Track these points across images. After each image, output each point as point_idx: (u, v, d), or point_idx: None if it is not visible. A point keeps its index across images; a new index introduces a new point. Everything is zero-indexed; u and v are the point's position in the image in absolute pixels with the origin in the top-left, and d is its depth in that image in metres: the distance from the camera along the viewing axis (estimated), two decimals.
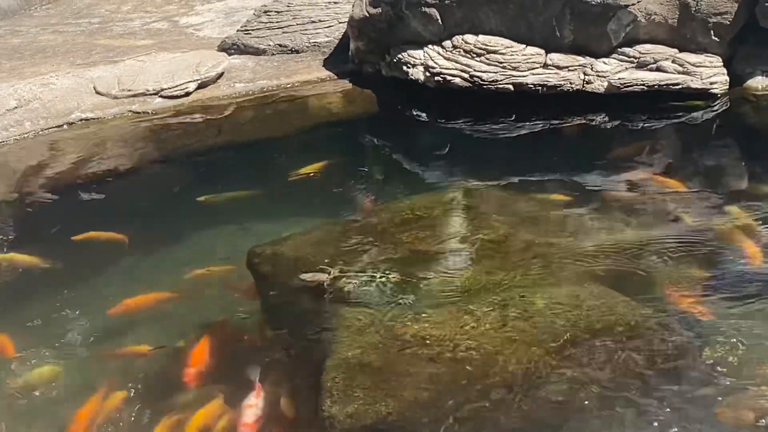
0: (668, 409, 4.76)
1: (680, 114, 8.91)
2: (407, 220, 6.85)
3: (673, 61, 8.93)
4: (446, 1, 9.37)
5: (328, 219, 7.45)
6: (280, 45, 10.96)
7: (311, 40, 10.86)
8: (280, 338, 5.99)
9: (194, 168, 9.08)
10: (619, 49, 9.11)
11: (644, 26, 9.00)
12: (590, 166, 8.13)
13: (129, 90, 10.07)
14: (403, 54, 9.61)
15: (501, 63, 9.16)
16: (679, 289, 5.85)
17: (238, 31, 11.46)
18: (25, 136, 9.46)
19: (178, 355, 5.94)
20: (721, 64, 9.01)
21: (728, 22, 8.90)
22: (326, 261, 6.22)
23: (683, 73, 8.90)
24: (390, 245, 6.48)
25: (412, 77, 9.49)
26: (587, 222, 7.00)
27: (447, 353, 5.20)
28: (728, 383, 4.93)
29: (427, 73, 9.38)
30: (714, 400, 4.83)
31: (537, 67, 9.15)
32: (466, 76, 9.19)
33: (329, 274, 6.04)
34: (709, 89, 8.90)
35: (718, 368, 5.04)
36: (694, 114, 8.90)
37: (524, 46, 9.28)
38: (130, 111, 9.85)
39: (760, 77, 9.03)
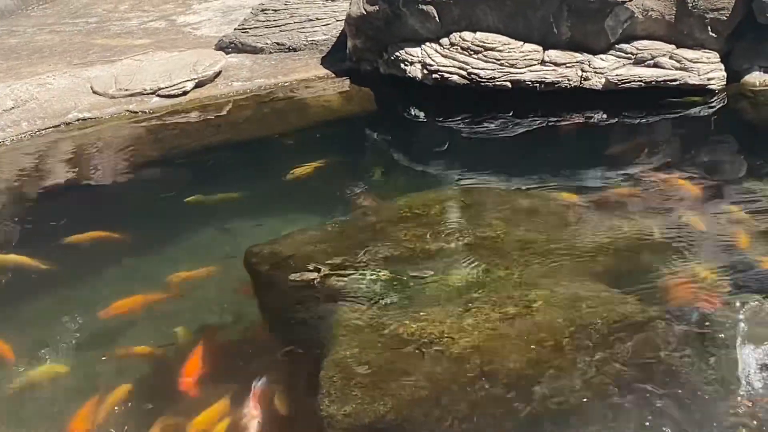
0: (669, 407, 4.75)
1: (678, 110, 8.93)
2: (405, 218, 6.84)
3: (671, 57, 8.94)
4: None
5: (326, 218, 7.44)
6: (278, 43, 10.95)
7: (309, 39, 10.85)
8: (277, 337, 6.01)
9: (192, 167, 9.06)
10: (616, 46, 9.12)
11: (641, 22, 9.00)
12: (588, 163, 8.14)
13: (126, 89, 10.05)
14: (400, 51, 9.60)
15: (498, 60, 9.16)
16: (679, 285, 5.84)
17: (235, 29, 11.45)
18: (22, 136, 9.43)
19: (176, 355, 5.93)
20: (719, 59, 9.03)
21: (725, 18, 8.90)
22: (325, 260, 6.22)
23: (681, 69, 8.90)
24: (388, 243, 6.46)
25: (410, 75, 9.49)
26: (586, 219, 6.97)
27: (445, 351, 5.18)
28: (730, 380, 4.92)
29: (425, 71, 9.38)
30: (716, 398, 4.81)
31: (534, 64, 9.16)
32: (463, 73, 9.19)
33: (318, 272, 6.04)
34: (707, 85, 8.91)
35: (720, 365, 5.03)
36: (692, 110, 8.92)
37: (522, 43, 9.28)
38: (128, 110, 9.84)
39: (757, 73, 9.05)
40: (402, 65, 9.56)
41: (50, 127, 9.59)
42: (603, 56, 9.10)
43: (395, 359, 5.18)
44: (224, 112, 9.88)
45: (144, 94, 10.02)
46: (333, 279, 6.01)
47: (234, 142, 9.48)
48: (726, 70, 9.03)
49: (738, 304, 5.59)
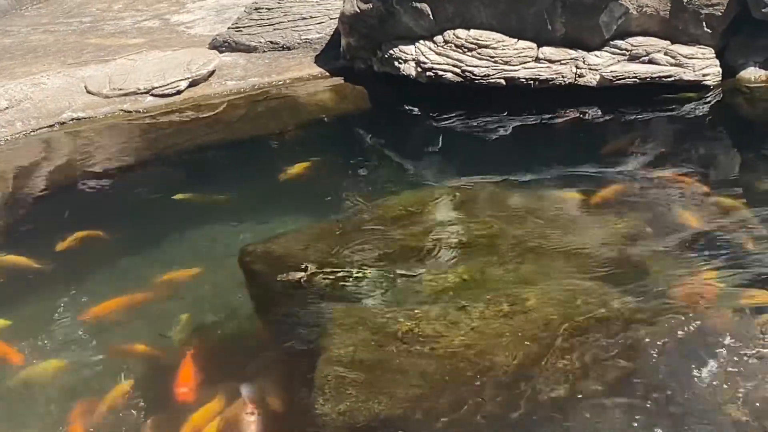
0: (663, 402, 4.77)
1: (673, 106, 8.91)
2: (399, 216, 6.87)
3: (666, 53, 8.93)
4: None
5: (320, 216, 7.46)
6: (272, 42, 10.94)
7: (302, 37, 10.85)
8: (271, 336, 6.00)
9: (186, 166, 9.07)
10: (611, 42, 9.10)
11: (636, 18, 8.99)
12: (583, 160, 8.13)
13: (120, 89, 10.04)
14: (394, 49, 9.59)
15: (492, 57, 9.15)
16: (674, 281, 5.84)
17: (229, 28, 11.44)
18: (17, 136, 9.42)
19: (171, 354, 5.94)
20: (714, 55, 9.01)
21: (720, 14, 8.88)
22: (319, 258, 6.24)
23: (675, 65, 8.89)
24: (382, 242, 6.50)
25: (404, 73, 9.47)
26: (580, 216, 6.99)
27: (439, 349, 5.22)
28: (726, 376, 4.92)
29: (419, 69, 9.37)
30: (712, 394, 4.82)
31: (529, 61, 9.14)
32: (457, 70, 9.18)
33: (305, 271, 6.04)
34: (702, 81, 8.90)
35: (715, 360, 5.04)
36: (687, 106, 8.90)
37: (516, 40, 9.26)
38: (122, 110, 9.83)
39: (752, 68, 9.02)
40: (396, 63, 9.55)
41: (44, 127, 9.58)
42: (597, 53, 9.09)
43: (389, 357, 5.21)
44: (218, 111, 9.87)
45: (138, 94, 10.00)
46: (327, 278, 6.04)
47: (228, 141, 9.47)
48: (721, 65, 9.01)
49: (733, 300, 5.61)
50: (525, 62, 9.13)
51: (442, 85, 9.31)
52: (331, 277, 6.03)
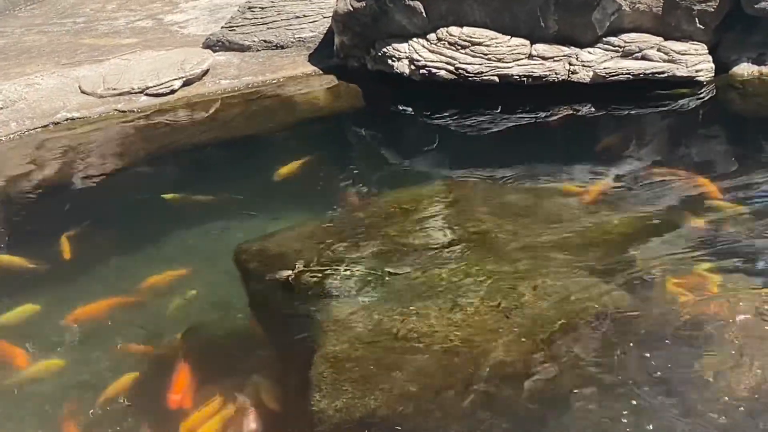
0: (660, 396, 4.78)
1: (666, 102, 8.93)
2: (394, 213, 6.89)
3: (659, 50, 8.95)
4: None
5: (315, 214, 7.47)
6: (265, 41, 10.95)
7: (296, 36, 10.86)
8: (267, 334, 6.01)
9: (181, 165, 9.08)
10: (604, 39, 9.12)
11: (629, 15, 9.01)
12: (577, 156, 8.19)
13: (114, 89, 10.05)
14: (387, 47, 9.60)
15: (486, 55, 9.16)
16: (669, 277, 5.85)
17: (222, 27, 11.45)
18: (11, 136, 9.44)
19: (167, 353, 5.95)
20: (707, 51, 9.04)
21: (713, 10, 8.91)
22: (314, 256, 6.26)
23: (668, 61, 8.91)
24: (377, 239, 6.52)
25: (398, 70, 9.48)
26: (575, 212, 7.00)
27: (435, 346, 5.23)
28: (721, 372, 4.94)
29: (412, 66, 9.38)
30: (707, 387, 4.84)
31: (522, 58, 9.16)
32: (451, 68, 9.19)
33: (293, 269, 6.06)
34: (695, 77, 8.92)
35: (711, 355, 5.06)
36: (681, 102, 8.93)
37: (509, 37, 9.28)
38: (116, 110, 9.84)
39: (745, 64, 9.05)
40: (389, 61, 9.56)
41: (39, 127, 9.60)
42: (590, 49, 9.10)
43: (385, 354, 5.23)
44: (212, 110, 9.88)
45: (132, 93, 10.02)
46: (322, 275, 6.05)
47: (222, 139, 9.47)
48: (714, 61, 9.04)
49: (727, 294, 5.62)
50: (518, 59, 9.15)
51: (435, 82, 9.32)
52: (325, 274, 6.04)
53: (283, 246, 6.49)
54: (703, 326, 5.27)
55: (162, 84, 10.03)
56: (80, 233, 7.52)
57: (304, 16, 10.96)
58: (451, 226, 6.70)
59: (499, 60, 9.12)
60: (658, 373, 4.94)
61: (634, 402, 4.75)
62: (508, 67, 9.10)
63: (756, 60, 9.04)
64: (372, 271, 6.03)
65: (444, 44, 9.31)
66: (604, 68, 8.93)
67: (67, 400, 5.62)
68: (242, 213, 7.76)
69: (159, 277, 6.77)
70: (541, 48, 9.19)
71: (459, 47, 9.26)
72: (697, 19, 8.95)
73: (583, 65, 8.98)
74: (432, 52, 9.33)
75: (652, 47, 8.96)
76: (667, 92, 8.96)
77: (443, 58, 9.25)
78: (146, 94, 10.00)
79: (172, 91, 10.04)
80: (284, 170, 8.27)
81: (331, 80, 10.26)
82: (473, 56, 9.19)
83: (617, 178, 7.61)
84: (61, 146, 9.37)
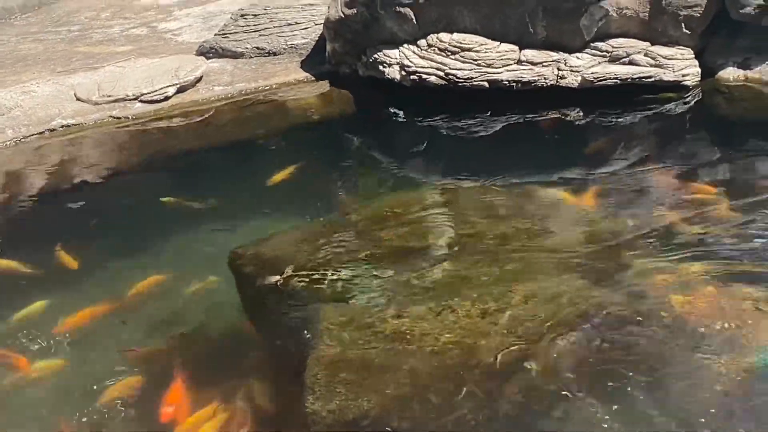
0: (653, 395, 4.81)
1: (653, 106, 8.96)
2: (386, 217, 6.91)
3: (646, 55, 9.01)
4: (420, 1, 9.42)
5: (309, 219, 7.51)
6: (258, 48, 11.00)
7: (288, 42, 10.91)
8: (262, 337, 6.04)
9: (175, 171, 9.12)
10: (591, 44, 9.19)
11: (616, 20, 9.08)
12: (566, 160, 8.21)
13: (109, 96, 10.10)
14: (379, 54, 9.67)
15: (475, 60, 9.22)
16: (658, 279, 5.88)
17: (215, 35, 11.49)
18: (7, 143, 9.49)
19: (161, 358, 6.00)
20: (693, 56, 9.10)
21: (699, 15, 8.97)
22: (308, 260, 6.30)
23: (655, 66, 8.98)
24: (370, 243, 6.55)
25: (389, 76, 9.55)
26: (564, 215, 7.04)
27: (427, 348, 5.24)
28: (713, 365, 4.98)
29: (403, 72, 9.44)
30: (698, 390, 4.87)
31: (511, 64, 9.22)
32: (441, 74, 9.26)
33: (282, 273, 6.12)
34: (682, 81, 8.99)
35: (702, 355, 5.09)
36: (667, 106, 8.96)
37: (498, 43, 9.35)
38: (111, 116, 9.90)
39: (731, 68, 9.10)
40: (380, 67, 9.63)
41: (35, 134, 9.65)
42: (579, 55, 9.17)
43: (378, 356, 5.25)
44: (206, 117, 9.93)
45: (127, 100, 10.07)
46: (316, 278, 6.07)
47: (216, 145, 9.52)
48: (700, 66, 9.10)
49: (717, 294, 5.65)
50: (507, 65, 9.21)
51: (426, 88, 9.37)
52: (319, 277, 6.09)
53: (278, 250, 6.52)
54: (694, 327, 5.29)
55: (156, 91, 10.09)
56: (75, 239, 7.56)
57: (296, 23, 11.00)
58: (443, 229, 6.74)
59: (489, 66, 9.19)
60: (649, 373, 4.97)
61: (625, 402, 4.78)
62: (498, 73, 9.17)
63: (741, 64, 9.10)
64: (365, 275, 6.06)
65: (434, 50, 9.37)
66: (592, 73, 9.00)
67: (62, 404, 5.67)
68: (237, 218, 7.80)
69: (154, 280, 6.81)
70: (530, 54, 9.26)
71: (449, 53, 9.33)
72: (683, 24, 9.02)
73: (572, 70, 9.05)
74: (422, 58, 9.40)
75: (639, 52, 9.03)
76: (654, 96, 9.00)
77: (434, 64, 9.32)
78: (141, 101, 10.06)
79: (167, 98, 10.10)
80: (278, 175, 8.32)
81: (324, 86, 10.33)
82: (463, 62, 9.25)
83: (606, 180, 7.65)
84: (56, 153, 9.42)
